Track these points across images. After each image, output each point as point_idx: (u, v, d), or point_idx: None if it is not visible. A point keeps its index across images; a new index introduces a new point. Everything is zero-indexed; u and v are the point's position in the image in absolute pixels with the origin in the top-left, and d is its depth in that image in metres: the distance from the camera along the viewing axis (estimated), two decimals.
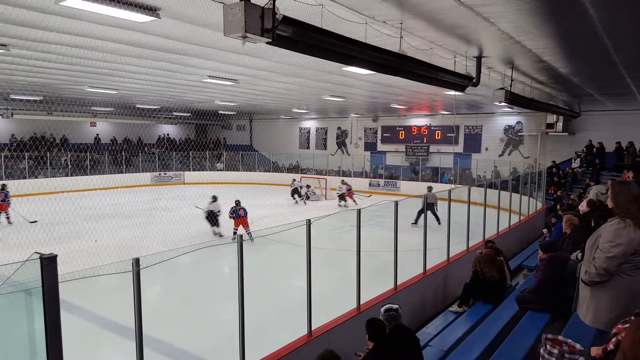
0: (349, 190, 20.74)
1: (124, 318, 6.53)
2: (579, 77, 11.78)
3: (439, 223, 14.05)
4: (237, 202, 13.75)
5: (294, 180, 23.40)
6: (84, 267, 7.36)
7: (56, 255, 2.94)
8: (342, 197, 20.45)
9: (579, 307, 3.83)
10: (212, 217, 13.90)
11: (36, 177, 22.64)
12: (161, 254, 3.97)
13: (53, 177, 23.34)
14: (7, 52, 9.91)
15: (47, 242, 11.13)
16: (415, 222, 14.75)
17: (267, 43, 4.55)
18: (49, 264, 2.91)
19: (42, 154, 24.52)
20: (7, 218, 15.81)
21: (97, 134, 29.38)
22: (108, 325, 7.21)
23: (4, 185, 16.28)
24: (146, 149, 30.95)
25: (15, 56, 10.69)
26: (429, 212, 13.67)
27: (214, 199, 14.29)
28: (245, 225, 13.55)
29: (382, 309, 4.60)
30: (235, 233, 13.42)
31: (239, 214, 13.52)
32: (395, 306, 4.62)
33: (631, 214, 3.46)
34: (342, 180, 21.85)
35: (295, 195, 22.15)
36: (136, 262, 3.56)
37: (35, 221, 13.98)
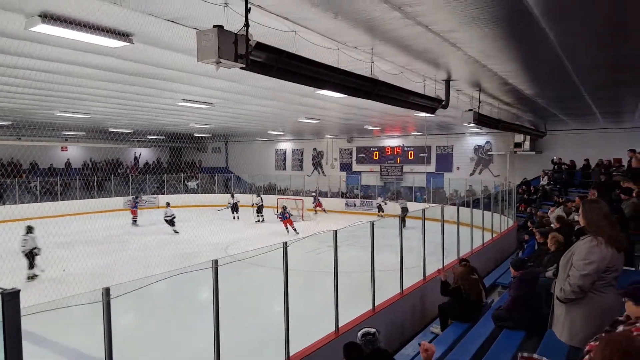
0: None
1: (95, 350, 6.32)
2: (543, 98, 12.22)
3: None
4: (284, 207, 19.36)
5: (232, 195, 23.88)
6: (53, 297, 7.11)
7: (19, 290, 2.83)
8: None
9: (554, 324, 3.86)
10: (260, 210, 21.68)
11: (4, 204, 21.90)
12: (133, 282, 3.89)
13: (21, 203, 22.63)
14: None
15: (14, 271, 10.74)
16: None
17: (241, 68, 4.59)
18: (10, 299, 2.79)
19: (9, 180, 23.77)
20: (134, 221, 20.95)
21: (68, 159, 28.75)
22: (78, 357, 6.96)
23: (137, 195, 22.00)
24: (119, 171, 30.39)
25: None
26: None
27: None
28: (292, 225, 18.53)
29: (359, 334, 4.57)
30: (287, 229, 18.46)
31: (285, 216, 18.73)
32: (373, 330, 4.60)
33: (602, 232, 3.53)
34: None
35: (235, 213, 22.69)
36: (106, 291, 3.47)
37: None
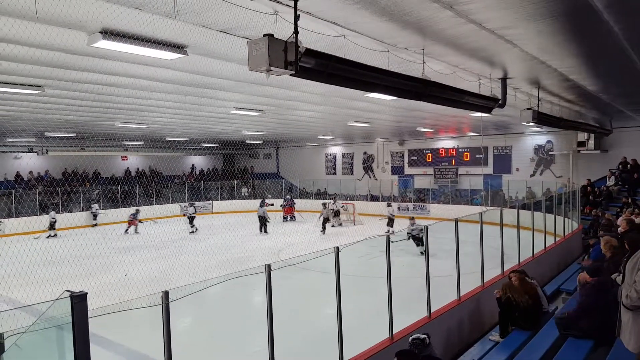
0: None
1: (155, 351, 6.55)
2: (607, 94, 11.52)
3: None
4: (285, 198, 24.28)
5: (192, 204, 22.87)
6: (115, 300, 7.45)
7: (86, 293, 2.97)
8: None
9: (621, 332, 3.67)
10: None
11: (70, 212, 23.30)
12: (190, 285, 3.99)
13: (86, 210, 24.01)
14: (41, 93, 10.36)
15: (80, 276, 11.37)
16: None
17: (291, 75, 4.62)
18: (79, 302, 2.95)
19: (74, 189, 25.24)
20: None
21: (128, 167, 30.21)
22: (138, 358, 7.23)
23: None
24: (176, 179, 31.57)
25: (50, 96, 11.16)
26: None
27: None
28: (291, 211, 23.58)
29: (410, 339, 4.51)
30: (285, 219, 23.99)
31: (285, 204, 23.73)
32: (423, 336, 4.54)
33: None
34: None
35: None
36: (165, 295, 3.57)
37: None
